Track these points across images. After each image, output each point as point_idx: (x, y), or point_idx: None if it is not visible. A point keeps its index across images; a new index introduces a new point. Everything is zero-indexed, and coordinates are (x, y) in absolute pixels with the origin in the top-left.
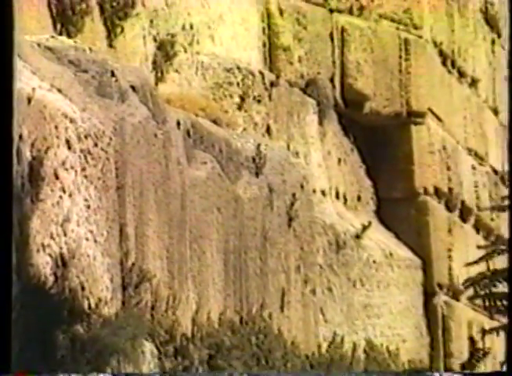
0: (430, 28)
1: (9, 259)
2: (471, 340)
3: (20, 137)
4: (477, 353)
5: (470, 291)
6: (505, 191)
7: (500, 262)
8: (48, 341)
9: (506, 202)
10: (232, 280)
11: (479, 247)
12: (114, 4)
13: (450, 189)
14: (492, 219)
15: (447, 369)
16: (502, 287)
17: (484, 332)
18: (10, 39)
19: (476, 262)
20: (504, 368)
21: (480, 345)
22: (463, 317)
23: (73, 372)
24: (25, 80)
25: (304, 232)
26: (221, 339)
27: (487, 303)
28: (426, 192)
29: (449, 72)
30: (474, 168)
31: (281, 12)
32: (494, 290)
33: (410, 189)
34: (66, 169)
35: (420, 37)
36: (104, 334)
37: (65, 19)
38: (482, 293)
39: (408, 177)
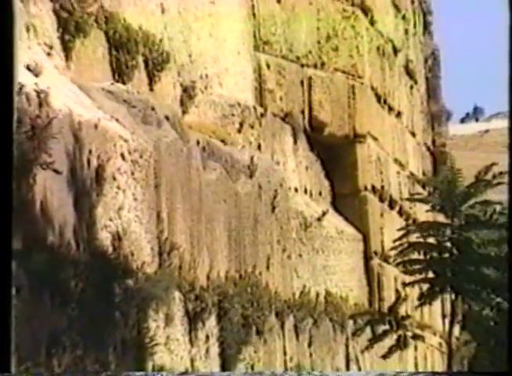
0: (369, 78)
1: (9, 261)
2: (397, 291)
3: (90, 152)
4: (400, 299)
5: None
6: (419, 189)
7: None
8: (109, 291)
9: (417, 196)
10: (234, 249)
11: (401, 228)
12: (154, 61)
13: (382, 187)
14: (410, 208)
15: (380, 309)
16: (416, 255)
17: (405, 284)
18: (11, 47)
19: (399, 239)
20: None
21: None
22: (391, 274)
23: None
24: (92, 112)
25: (283, 216)
26: (227, 289)
27: (406, 266)
28: (366, 189)
29: (382, 107)
30: (398, 172)
31: (268, 66)
32: (408, 257)
33: (355, 187)
34: (121, 173)
35: (362, 83)
36: (147, 285)
37: (120, 71)
38: (403, 259)
39: (354, 179)
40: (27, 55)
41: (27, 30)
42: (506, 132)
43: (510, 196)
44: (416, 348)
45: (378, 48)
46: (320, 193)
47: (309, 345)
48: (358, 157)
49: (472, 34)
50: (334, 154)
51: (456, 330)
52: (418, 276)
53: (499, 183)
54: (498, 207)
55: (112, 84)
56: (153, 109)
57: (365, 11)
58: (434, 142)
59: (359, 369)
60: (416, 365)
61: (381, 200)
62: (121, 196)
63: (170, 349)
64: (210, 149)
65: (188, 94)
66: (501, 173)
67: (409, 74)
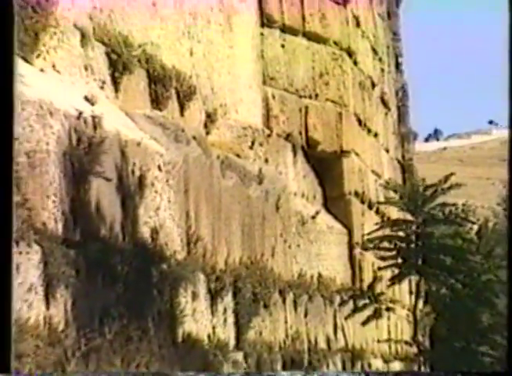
0: (353, 106)
1: (9, 259)
2: (374, 273)
3: (134, 164)
4: (376, 280)
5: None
6: (391, 194)
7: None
8: (148, 273)
9: (390, 200)
10: (246, 240)
11: (377, 224)
12: (184, 93)
13: (363, 192)
14: (385, 208)
15: (360, 287)
16: (387, 245)
17: (380, 268)
18: (11, 47)
19: (371, 233)
20: None
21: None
22: (369, 260)
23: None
24: (135, 132)
25: (285, 215)
26: (240, 272)
27: (379, 253)
28: (350, 193)
29: (363, 129)
30: (375, 180)
31: (273, 97)
32: (382, 246)
33: (342, 192)
34: (158, 181)
35: (347, 110)
36: (178, 269)
37: (157, 101)
38: (379, 247)
39: (340, 185)
40: (85, 88)
41: (86, 69)
42: (459, 149)
43: (510, 196)
44: (389, 318)
45: (360, 83)
46: (314, 197)
47: (305, 315)
48: (344, 168)
49: (434, 72)
50: (325, 166)
51: (420, 304)
52: (390, 262)
53: (451, 188)
54: (453, 209)
55: (151, 111)
56: (183, 130)
57: (350, 54)
58: (403, 157)
59: (344, 334)
60: (389, 331)
61: (362, 202)
62: (158, 199)
63: (196, 319)
64: (227, 162)
65: (210, 119)
66: (457, 184)
67: (384, 103)
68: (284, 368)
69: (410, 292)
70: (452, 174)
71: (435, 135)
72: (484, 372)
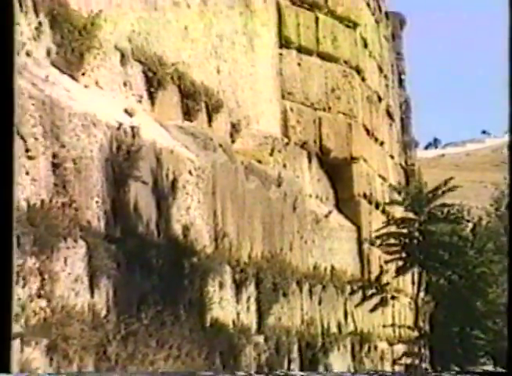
0: (362, 118)
1: (10, 260)
2: (380, 266)
3: (167, 169)
4: (382, 272)
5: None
6: (396, 195)
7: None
8: (180, 266)
9: (395, 200)
10: (267, 236)
11: (383, 222)
12: (212, 106)
13: (370, 194)
14: (390, 208)
15: (369, 279)
16: (393, 240)
17: (386, 262)
18: (11, 44)
19: (379, 230)
20: None
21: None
22: (376, 254)
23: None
24: (169, 141)
25: (301, 214)
26: (262, 265)
27: (385, 248)
28: (359, 195)
29: (370, 138)
30: (381, 184)
31: (291, 110)
32: (388, 242)
33: (351, 194)
34: (189, 184)
35: (357, 121)
36: (206, 262)
37: (188, 113)
38: (385, 243)
39: (350, 188)
40: (125, 102)
41: (125, 85)
42: (456, 156)
43: (510, 197)
44: (393, 305)
45: (368, 98)
46: (327, 198)
47: (319, 303)
48: (353, 173)
49: (434, 87)
50: (337, 171)
51: (421, 293)
52: (395, 256)
53: (449, 191)
54: (450, 209)
55: (183, 122)
56: (211, 139)
57: (359, 71)
58: (406, 162)
59: (353, 320)
60: (393, 317)
61: (370, 202)
62: (189, 199)
63: (222, 306)
64: (250, 167)
65: (235, 129)
66: (454, 186)
67: (389, 115)
68: (300, 349)
69: (413, 283)
70: (451, 178)
71: (434, 143)
72: (485, 372)
